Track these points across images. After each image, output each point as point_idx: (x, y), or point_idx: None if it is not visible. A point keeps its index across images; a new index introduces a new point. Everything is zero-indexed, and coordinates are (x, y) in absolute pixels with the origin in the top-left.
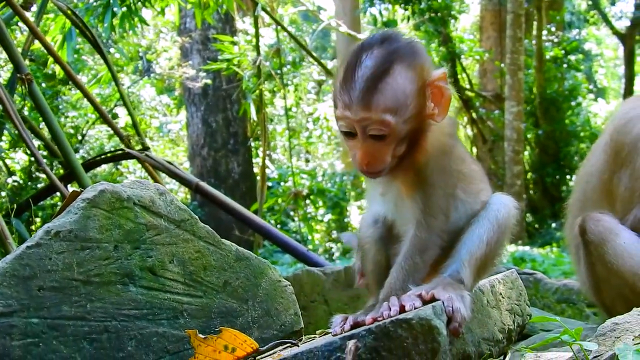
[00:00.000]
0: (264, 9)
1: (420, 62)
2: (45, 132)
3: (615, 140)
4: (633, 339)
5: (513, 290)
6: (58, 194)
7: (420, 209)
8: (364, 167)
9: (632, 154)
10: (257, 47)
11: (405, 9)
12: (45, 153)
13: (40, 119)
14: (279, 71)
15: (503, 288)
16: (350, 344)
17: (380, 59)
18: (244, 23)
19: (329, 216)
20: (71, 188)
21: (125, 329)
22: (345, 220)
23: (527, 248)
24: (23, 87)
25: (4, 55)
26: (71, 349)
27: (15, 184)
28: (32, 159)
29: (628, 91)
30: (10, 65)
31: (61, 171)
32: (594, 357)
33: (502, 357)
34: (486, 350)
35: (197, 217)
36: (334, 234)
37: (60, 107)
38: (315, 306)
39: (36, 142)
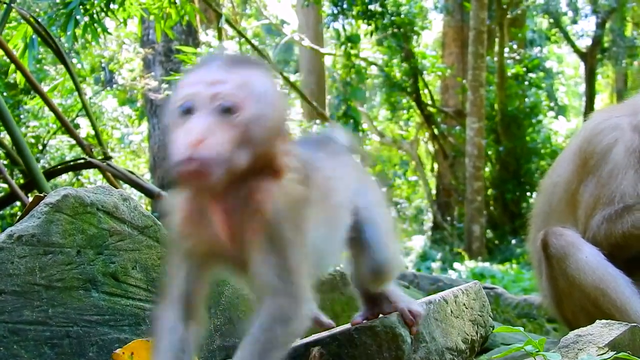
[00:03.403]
0: (227, 21)
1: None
2: (7, 140)
3: (585, 150)
4: (596, 350)
5: (476, 302)
6: (18, 202)
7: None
8: (196, 147)
9: (600, 162)
10: None
11: (369, 24)
12: (6, 162)
13: (1, 127)
14: None
15: (466, 299)
16: (315, 350)
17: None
18: (207, 35)
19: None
20: (32, 197)
21: (86, 335)
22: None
23: (486, 264)
24: None
25: None
26: (32, 353)
27: None
28: None
29: (589, 109)
30: None
31: (22, 180)
32: None
33: None
34: (448, 359)
35: (161, 223)
36: None
37: (22, 116)
38: None
39: None
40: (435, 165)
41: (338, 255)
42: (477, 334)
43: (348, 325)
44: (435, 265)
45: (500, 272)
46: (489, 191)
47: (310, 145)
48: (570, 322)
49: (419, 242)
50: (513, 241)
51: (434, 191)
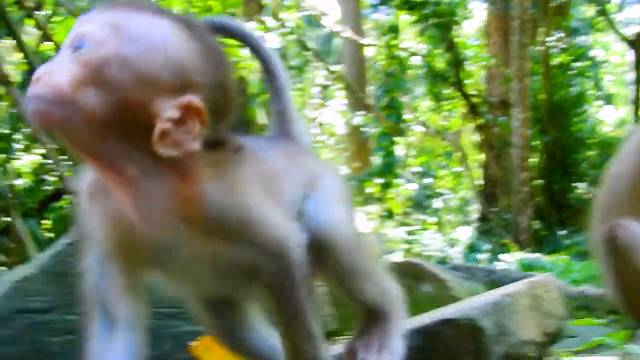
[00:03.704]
0: (273, 14)
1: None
2: None
3: None
4: None
5: (550, 294)
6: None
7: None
8: (34, 85)
9: None
10: None
11: (410, 14)
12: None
13: None
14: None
15: (540, 291)
16: None
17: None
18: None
19: None
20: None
21: (161, 327)
22: None
23: (535, 255)
24: None
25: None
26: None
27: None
28: (42, 161)
29: (637, 97)
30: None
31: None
32: None
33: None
34: (527, 352)
35: None
36: None
37: None
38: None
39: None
40: (480, 156)
41: None
42: (552, 326)
43: (432, 318)
44: (483, 256)
45: (549, 264)
46: (536, 182)
47: (260, 140)
48: (638, 315)
49: (465, 234)
50: (561, 232)
51: (479, 182)
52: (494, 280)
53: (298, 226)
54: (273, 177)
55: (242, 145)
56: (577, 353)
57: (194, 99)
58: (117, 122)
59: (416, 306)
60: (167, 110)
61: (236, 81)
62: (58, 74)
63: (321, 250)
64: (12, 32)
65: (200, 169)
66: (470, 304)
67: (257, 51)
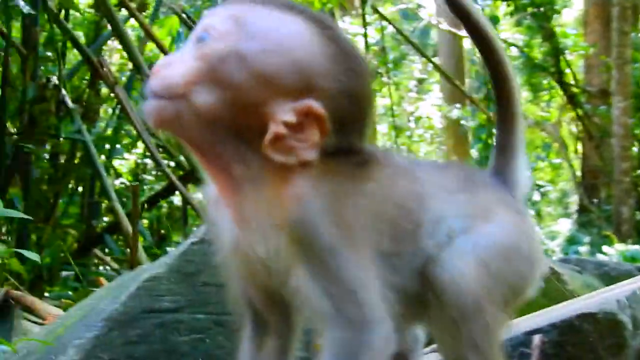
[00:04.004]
0: (372, 7)
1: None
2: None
3: None
4: None
5: None
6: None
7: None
8: (153, 78)
9: None
10: (366, 45)
11: (507, 5)
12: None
13: None
14: (382, 69)
15: None
16: (537, 338)
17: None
18: (343, 22)
19: None
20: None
21: None
22: None
23: (638, 247)
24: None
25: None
26: (235, 344)
27: (123, 185)
28: (139, 161)
29: None
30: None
31: (180, 172)
32: None
33: None
34: None
35: None
36: None
37: None
38: None
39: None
40: (580, 147)
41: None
42: None
43: (568, 313)
44: (583, 249)
45: None
46: (637, 171)
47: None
48: None
49: (565, 226)
50: None
51: (578, 173)
52: (607, 273)
53: (387, 309)
54: (407, 202)
55: (371, 159)
56: None
57: (315, 104)
58: (229, 121)
59: (532, 301)
60: (284, 113)
61: (371, 89)
62: (175, 67)
63: (436, 306)
64: (117, 32)
65: (308, 180)
66: (606, 297)
67: (490, 51)
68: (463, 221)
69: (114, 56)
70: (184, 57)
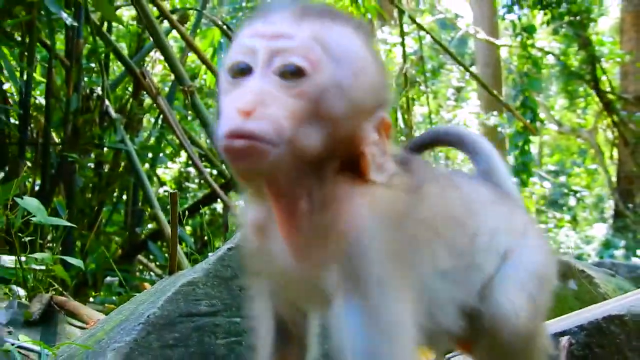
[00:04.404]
0: (411, 17)
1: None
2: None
3: None
4: None
5: None
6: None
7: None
8: (247, 117)
9: None
10: (404, 55)
11: (545, 14)
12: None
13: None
14: (420, 78)
15: None
16: (564, 340)
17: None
18: (382, 33)
19: None
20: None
21: None
22: None
23: None
24: (185, 98)
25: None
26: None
27: (166, 193)
28: (183, 169)
29: None
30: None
31: (221, 180)
32: None
33: None
34: None
35: None
36: None
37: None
38: None
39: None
40: (615, 153)
41: (457, 312)
42: None
43: (596, 315)
44: (619, 252)
45: None
46: None
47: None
48: None
49: (600, 231)
50: None
51: (614, 179)
52: (639, 276)
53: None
54: (461, 215)
55: (419, 171)
56: None
57: (384, 115)
58: (328, 156)
59: (563, 303)
60: (371, 133)
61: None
62: (274, 107)
63: (485, 335)
64: (159, 44)
65: (373, 200)
66: (635, 299)
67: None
68: (508, 237)
69: (156, 67)
70: (276, 94)
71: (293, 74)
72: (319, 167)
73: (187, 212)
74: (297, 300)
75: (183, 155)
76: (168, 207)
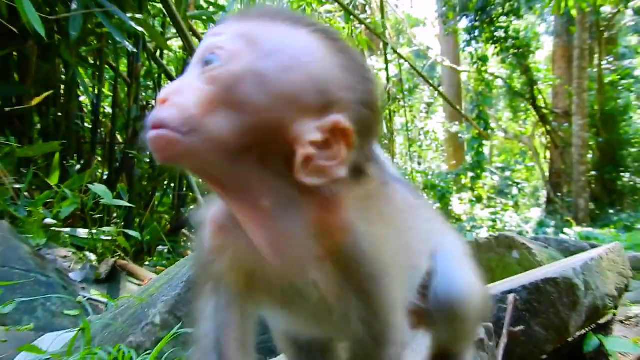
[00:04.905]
0: (393, 49)
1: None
2: None
3: None
4: None
5: (620, 258)
6: None
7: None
8: (159, 107)
9: None
10: (387, 78)
11: (495, 47)
12: None
13: None
14: (399, 95)
15: (613, 256)
16: (510, 297)
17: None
18: (370, 61)
19: (437, 205)
20: None
21: None
22: (449, 208)
23: (590, 229)
24: None
25: None
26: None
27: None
28: None
29: None
30: None
31: None
32: None
33: (617, 309)
34: (607, 303)
35: None
36: None
37: None
38: None
39: None
40: (548, 154)
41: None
42: (622, 283)
43: (535, 278)
44: (550, 230)
45: (601, 235)
46: (591, 173)
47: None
48: None
49: (536, 213)
50: (610, 211)
51: (547, 174)
52: (567, 249)
53: (407, 323)
54: (409, 221)
55: (388, 174)
56: None
57: (340, 118)
58: (251, 149)
59: (509, 269)
60: (310, 133)
61: (379, 96)
62: (185, 93)
63: (438, 314)
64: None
65: (345, 198)
66: (564, 266)
67: None
68: (435, 237)
69: None
70: (191, 83)
71: (208, 63)
72: (257, 160)
73: None
74: (272, 297)
75: None
76: (206, 191)
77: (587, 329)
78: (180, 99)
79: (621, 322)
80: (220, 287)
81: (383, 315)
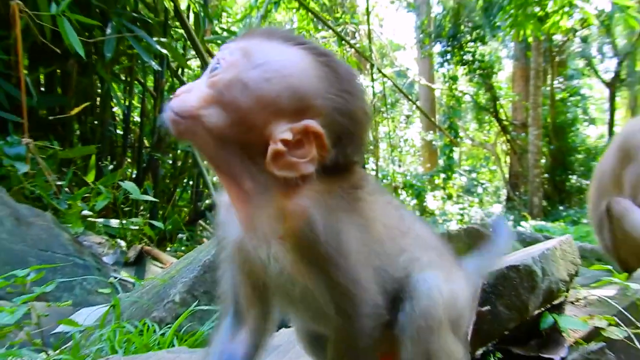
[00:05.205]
0: (378, 69)
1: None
2: None
3: (625, 146)
4: None
5: (570, 248)
6: None
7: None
8: (172, 101)
9: (636, 153)
10: (373, 93)
11: (464, 68)
12: None
13: None
14: (383, 108)
15: (565, 246)
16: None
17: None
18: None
19: (414, 201)
20: None
21: None
22: (424, 204)
23: (543, 222)
24: None
25: None
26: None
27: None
28: None
29: (611, 120)
30: None
31: None
32: (633, 293)
33: (568, 292)
34: (561, 287)
35: None
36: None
37: None
38: None
39: None
40: (508, 159)
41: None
42: (573, 270)
43: (501, 264)
44: (509, 223)
45: (552, 228)
46: (544, 175)
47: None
48: (623, 262)
49: (497, 209)
50: (560, 207)
51: (507, 176)
52: (525, 240)
53: (382, 300)
54: (386, 226)
55: (365, 179)
56: (591, 288)
57: (311, 123)
58: (234, 140)
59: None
60: (282, 133)
61: (366, 106)
62: (192, 92)
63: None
64: None
65: (310, 191)
66: (524, 255)
67: None
68: (416, 251)
69: None
70: (199, 85)
71: (213, 70)
72: (240, 149)
73: None
74: (246, 270)
75: None
76: (219, 188)
77: (543, 309)
78: (186, 95)
79: (572, 303)
80: (230, 255)
81: (342, 287)
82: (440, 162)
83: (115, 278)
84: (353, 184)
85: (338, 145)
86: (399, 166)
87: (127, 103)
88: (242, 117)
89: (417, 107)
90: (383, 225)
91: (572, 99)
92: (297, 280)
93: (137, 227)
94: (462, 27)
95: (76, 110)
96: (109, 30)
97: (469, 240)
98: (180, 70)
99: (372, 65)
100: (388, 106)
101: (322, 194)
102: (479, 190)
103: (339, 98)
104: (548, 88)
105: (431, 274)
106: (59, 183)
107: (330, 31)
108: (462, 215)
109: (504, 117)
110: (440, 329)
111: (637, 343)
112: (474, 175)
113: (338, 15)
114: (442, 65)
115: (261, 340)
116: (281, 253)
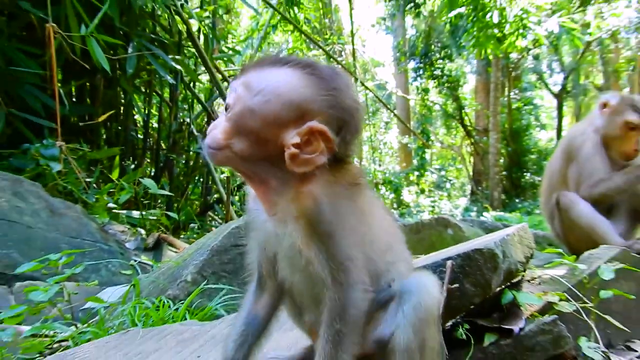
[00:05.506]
0: (361, 82)
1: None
2: None
3: (568, 148)
4: (603, 263)
5: (526, 234)
6: None
7: (326, 265)
8: (206, 137)
9: (576, 154)
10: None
11: (435, 82)
12: None
13: None
14: (365, 116)
15: (522, 233)
16: (449, 263)
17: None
18: None
19: (392, 195)
20: None
21: None
22: (401, 197)
23: (502, 213)
24: None
25: (219, 108)
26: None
27: (224, 177)
28: None
29: (559, 126)
30: None
31: None
32: (580, 273)
33: (525, 271)
34: (519, 267)
35: None
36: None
37: None
38: None
39: None
40: (472, 159)
41: None
42: (528, 253)
43: (466, 248)
44: (473, 214)
45: (510, 218)
46: (503, 173)
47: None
48: (572, 248)
49: (463, 202)
50: (516, 200)
51: (471, 173)
52: (487, 227)
53: (370, 282)
54: (377, 221)
55: (362, 174)
56: (544, 268)
57: (313, 123)
58: (258, 156)
59: (444, 242)
60: (292, 139)
61: (354, 96)
62: (217, 128)
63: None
64: (222, 95)
65: (320, 180)
66: (487, 240)
67: None
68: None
69: (220, 107)
70: (221, 121)
71: (227, 107)
72: (265, 160)
73: (236, 187)
74: (265, 245)
75: None
76: (224, 185)
77: (504, 286)
78: (214, 131)
79: (528, 281)
80: (256, 234)
81: (338, 260)
82: (415, 161)
83: (136, 261)
84: (353, 178)
85: (340, 134)
86: (379, 165)
87: (146, 111)
88: (258, 136)
89: (395, 115)
90: (375, 219)
91: (526, 107)
92: (304, 253)
93: (155, 218)
94: (433, 46)
95: (103, 117)
96: (130, 49)
97: (439, 228)
98: (192, 84)
99: (355, 79)
100: (370, 114)
101: (330, 182)
102: (448, 185)
103: (329, 96)
104: (506, 98)
105: (425, 274)
106: (88, 180)
107: (320, 50)
108: (433, 207)
109: (468, 124)
110: (435, 322)
111: (584, 315)
112: (443, 173)
113: (327, 36)
114: (415, 79)
115: (278, 303)
116: (295, 231)
